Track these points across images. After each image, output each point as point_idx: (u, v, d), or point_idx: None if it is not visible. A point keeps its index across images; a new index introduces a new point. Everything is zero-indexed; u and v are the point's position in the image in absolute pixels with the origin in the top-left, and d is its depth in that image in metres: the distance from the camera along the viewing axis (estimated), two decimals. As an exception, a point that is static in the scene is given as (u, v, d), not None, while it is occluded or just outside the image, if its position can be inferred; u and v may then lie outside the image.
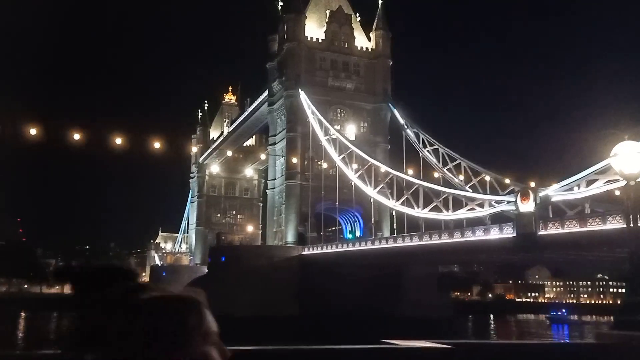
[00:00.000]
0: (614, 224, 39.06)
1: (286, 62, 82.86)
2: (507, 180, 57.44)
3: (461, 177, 65.84)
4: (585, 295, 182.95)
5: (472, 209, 52.59)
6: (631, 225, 11.35)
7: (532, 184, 51.32)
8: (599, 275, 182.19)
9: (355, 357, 10.34)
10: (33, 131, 42.74)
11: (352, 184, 69.55)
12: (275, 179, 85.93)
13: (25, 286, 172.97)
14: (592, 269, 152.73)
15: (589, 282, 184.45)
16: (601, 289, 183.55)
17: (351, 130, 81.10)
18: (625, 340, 9.90)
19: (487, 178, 61.25)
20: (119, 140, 46.47)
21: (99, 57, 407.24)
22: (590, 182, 43.20)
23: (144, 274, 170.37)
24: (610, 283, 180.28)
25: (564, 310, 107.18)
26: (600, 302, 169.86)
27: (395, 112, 79.07)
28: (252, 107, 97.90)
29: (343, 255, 65.17)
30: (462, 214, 53.37)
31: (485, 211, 51.38)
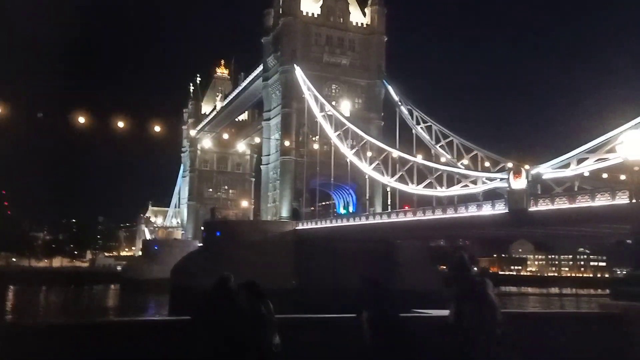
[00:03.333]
0: (602, 200, 40.80)
1: (281, 37, 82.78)
2: (499, 158, 58.99)
3: (453, 155, 67.28)
4: (567, 269, 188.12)
5: (466, 185, 54.13)
6: (634, 201, 12.89)
7: (525, 162, 52.90)
8: (580, 249, 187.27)
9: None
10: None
11: (347, 160, 70.69)
12: (269, 155, 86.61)
13: (14, 259, 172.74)
14: (573, 243, 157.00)
15: (570, 256, 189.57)
16: (582, 263, 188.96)
17: (346, 106, 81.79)
18: (629, 309, 11.05)
19: (479, 155, 62.78)
20: (108, 113, 46.59)
21: (86, 29, 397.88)
22: (580, 161, 44.85)
23: (133, 248, 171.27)
24: (591, 257, 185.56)
25: None
26: (580, 275, 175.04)
27: (390, 88, 79.84)
28: (247, 81, 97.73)
29: (337, 230, 66.69)
30: (456, 190, 54.90)
31: (478, 188, 52.96)
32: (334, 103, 78.38)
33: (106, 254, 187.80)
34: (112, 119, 46.41)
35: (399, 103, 77.28)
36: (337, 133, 72.36)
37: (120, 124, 46.97)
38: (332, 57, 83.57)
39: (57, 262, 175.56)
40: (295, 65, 79.17)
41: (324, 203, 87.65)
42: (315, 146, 75.97)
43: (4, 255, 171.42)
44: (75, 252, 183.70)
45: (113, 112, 46.37)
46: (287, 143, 77.56)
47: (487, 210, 50.20)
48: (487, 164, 61.25)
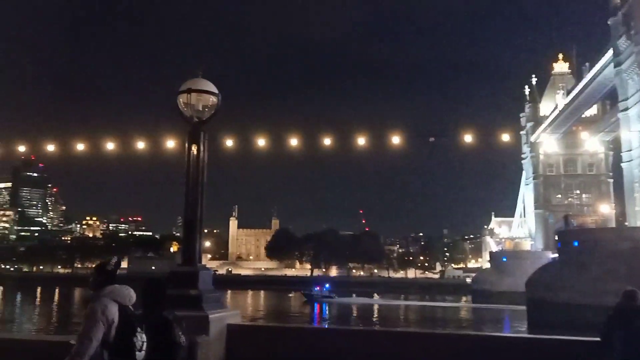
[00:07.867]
0: None
1: (633, 13, 70.88)
2: None
3: None
4: None
5: None
6: None
7: None
8: None
9: None
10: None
11: None
12: (631, 150, 74.74)
13: (375, 271, 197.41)
14: None
15: None
16: None
17: None
18: None
19: None
20: (450, 130, 46.91)
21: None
22: None
23: (480, 259, 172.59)
24: None
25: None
26: None
27: None
28: (593, 71, 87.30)
29: None
30: None
31: None
32: None
33: (454, 266, 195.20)
34: (454, 134, 47.32)
35: None
36: None
37: (467, 138, 47.42)
38: None
39: (411, 273, 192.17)
40: (657, 39, 66.22)
41: None
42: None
43: (368, 267, 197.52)
44: (426, 264, 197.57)
45: (456, 128, 47.21)
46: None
47: None
48: None
